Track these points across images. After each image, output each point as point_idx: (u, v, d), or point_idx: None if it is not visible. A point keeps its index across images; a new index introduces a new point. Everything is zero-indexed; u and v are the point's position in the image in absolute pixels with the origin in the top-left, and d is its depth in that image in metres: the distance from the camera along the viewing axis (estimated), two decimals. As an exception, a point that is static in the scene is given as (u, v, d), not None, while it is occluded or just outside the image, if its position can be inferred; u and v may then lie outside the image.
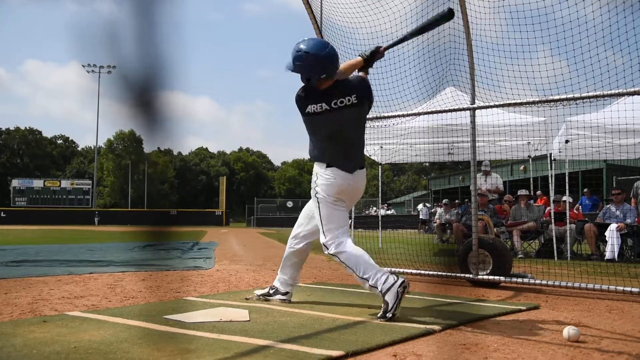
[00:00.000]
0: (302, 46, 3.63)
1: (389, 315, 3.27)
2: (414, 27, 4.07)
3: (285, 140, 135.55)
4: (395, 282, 3.34)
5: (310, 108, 3.63)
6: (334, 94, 3.63)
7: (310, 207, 3.97)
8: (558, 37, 4.51)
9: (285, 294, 4.05)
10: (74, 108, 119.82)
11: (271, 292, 4.08)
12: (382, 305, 3.34)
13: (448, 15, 3.94)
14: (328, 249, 3.62)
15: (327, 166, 3.67)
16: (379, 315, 3.33)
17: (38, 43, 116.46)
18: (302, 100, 3.68)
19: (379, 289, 3.37)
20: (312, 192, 3.75)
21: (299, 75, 3.68)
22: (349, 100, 3.63)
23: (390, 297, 3.31)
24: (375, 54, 3.87)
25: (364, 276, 3.45)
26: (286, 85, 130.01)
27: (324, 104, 3.62)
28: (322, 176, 3.69)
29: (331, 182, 3.65)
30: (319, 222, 3.70)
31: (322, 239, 3.66)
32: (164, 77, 1.17)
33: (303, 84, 3.71)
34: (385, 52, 3.96)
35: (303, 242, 4.02)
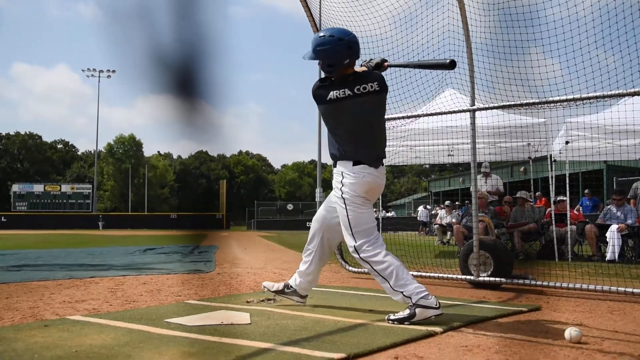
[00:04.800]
0: (327, 32, 3.63)
1: (406, 322, 3.26)
2: (420, 60, 3.98)
3: (284, 143, 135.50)
4: (436, 308, 3.33)
5: (333, 94, 3.52)
6: (355, 81, 3.56)
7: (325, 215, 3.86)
8: (558, 39, 4.52)
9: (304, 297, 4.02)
10: (67, 112, 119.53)
11: (287, 290, 3.98)
12: (406, 310, 3.33)
13: (450, 65, 3.71)
14: (359, 253, 3.49)
15: (354, 164, 3.54)
16: (394, 316, 3.31)
17: (25, 45, 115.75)
18: (324, 88, 3.59)
19: (413, 301, 3.33)
20: (337, 194, 3.58)
21: (319, 63, 3.65)
22: (371, 87, 3.54)
23: (420, 313, 3.30)
24: (380, 67, 3.71)
25: (399, 289, 3.38)
26: (278, 87, 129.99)
27: (346, 90, 3.52)
28: (348, 175, 3.54)
29: (359, 181, 3.51)
30: (346, 225, 3.54)
31: (352, 242, 3.51)
32: (207, 60, 1.07)
33: (320, 77, 3.67)
34: (388, 68, 3.80)
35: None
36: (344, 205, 3.55)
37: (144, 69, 1.05)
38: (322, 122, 3.83)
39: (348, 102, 3.53)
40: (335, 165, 3.67)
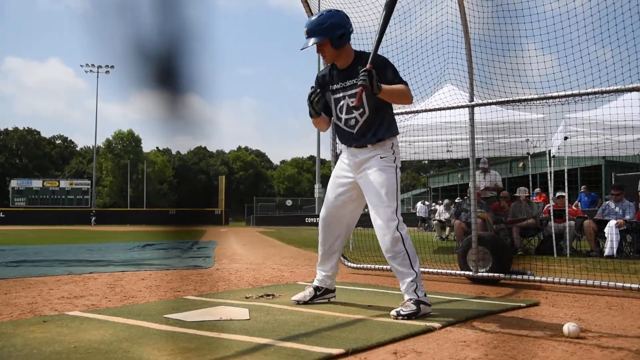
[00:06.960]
0: (320, 12, 3.71)
1: (413, 318, 3.28)
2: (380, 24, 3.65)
3: (282, 138, 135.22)
4: (430, 306, 3.44)
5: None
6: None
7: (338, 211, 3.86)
8: (557, 34, 4.51)
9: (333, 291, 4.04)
10: (63, 107, 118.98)
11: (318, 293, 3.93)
12: (410, 306, 3.34)
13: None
14: (400, 230, 3.45)
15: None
16: (402, 312, 3.31)
17: (17, 39, 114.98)
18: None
19: (417, 296, 3.39)
20: (387, 166, 3.58)
21: (322, 48, 3.61)
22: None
23: (423, 309, 3.36)
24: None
25: (416, 270, 3.44)
26: (271, 81, 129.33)
27: None
28: (397, 147, 3.71)
29: (399, 150, 3.76)
30: (391, 196, 3.49)
31: (392, 216, 3.47)
32: (190, 50, 1.05)
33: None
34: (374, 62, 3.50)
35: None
36: (395, 178, 3.59)
37: (127, 62, 1.04)
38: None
39: None
40: (367, 145, 3.69)
